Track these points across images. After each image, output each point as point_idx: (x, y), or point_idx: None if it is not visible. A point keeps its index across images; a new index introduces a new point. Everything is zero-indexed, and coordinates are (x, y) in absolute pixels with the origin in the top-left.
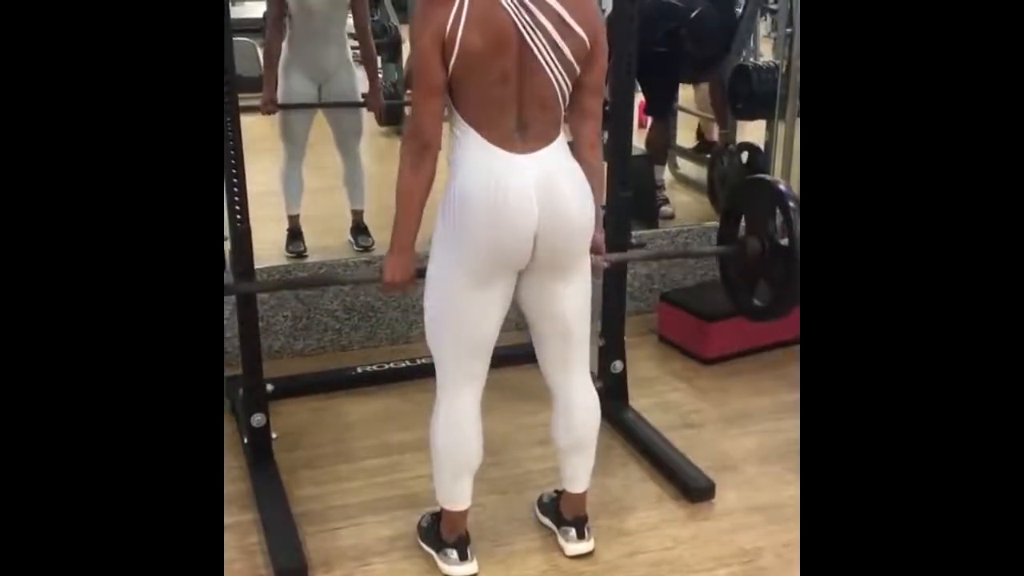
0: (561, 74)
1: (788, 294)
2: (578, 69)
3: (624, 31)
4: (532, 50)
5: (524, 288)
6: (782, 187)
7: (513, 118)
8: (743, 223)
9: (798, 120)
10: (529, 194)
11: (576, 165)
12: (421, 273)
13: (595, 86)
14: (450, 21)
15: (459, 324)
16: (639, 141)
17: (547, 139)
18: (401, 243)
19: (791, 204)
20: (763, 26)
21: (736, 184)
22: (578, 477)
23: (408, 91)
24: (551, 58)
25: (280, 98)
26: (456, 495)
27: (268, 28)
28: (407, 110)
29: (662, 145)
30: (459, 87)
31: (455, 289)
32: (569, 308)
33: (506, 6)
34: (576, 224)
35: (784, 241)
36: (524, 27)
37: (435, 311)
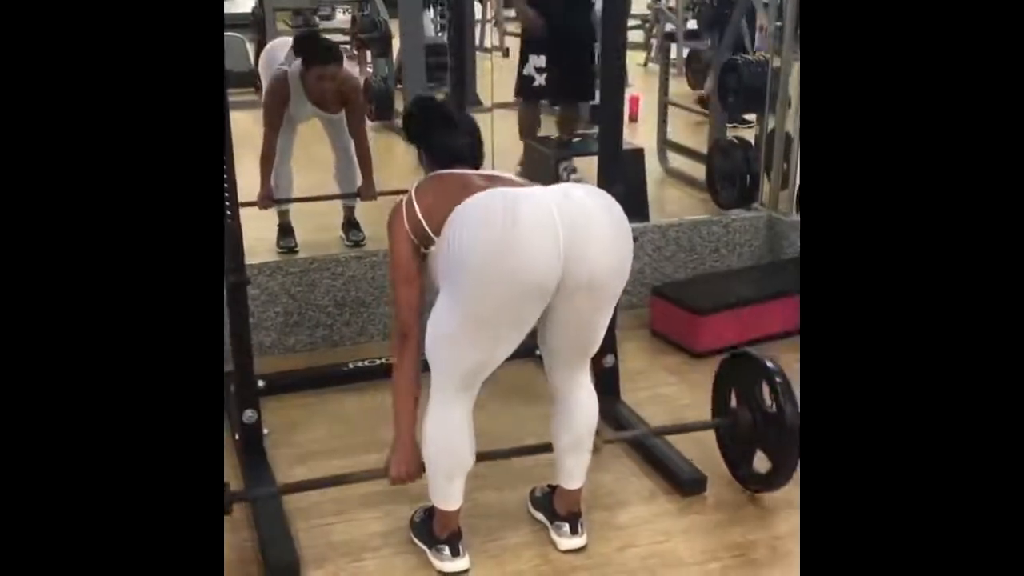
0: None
1: (785, 462)
2: None
3: (612, 23)
4: (495, 175)
5: (549, 316)
6: (768, 363)
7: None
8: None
9: (788, 114)
10: (548, 207)
11: (595, 187)
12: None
13: None
14: (408, 208)
15: (458, 359)
16: (630, 136)
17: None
18: (400, 436)
19: (778, 379)
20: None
21: (723, 360)
22: (574, 474)
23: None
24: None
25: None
26: (449, 495)
27: (265, 138)
28: (399, 105)
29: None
30: (439, 220)
31: (458, 325)
32: (596, 335)
33: (457, 172)
34: (608, 238)
35: (774, 409)
36: (482, 174)
37: (436, 333)
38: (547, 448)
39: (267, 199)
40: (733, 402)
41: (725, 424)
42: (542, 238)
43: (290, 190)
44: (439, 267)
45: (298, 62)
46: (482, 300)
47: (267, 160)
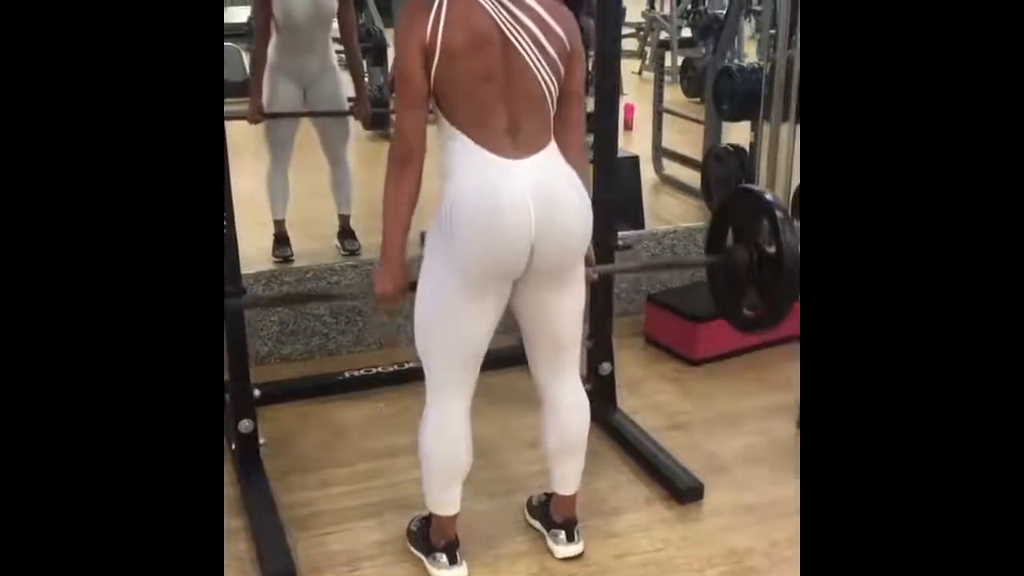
0: (547, 71)
1: (778, 302)
2: (562, 69)
3: (608, 31)
4: (516, 47)
5: (518, 296)
6: (768, 197)
7: (502, 119)
8: (731, 233)
9: (783, 121)
10: (525, 200)
11: (573, 171)
12: (413, 285)
13: (576, 93)
14: (429, 26)
15: (449, 334)
16: (624, 143)
17: (539, 144)
18: (390, 256)
19: (778, 213)
20: (747, 27)
21: (723, 196)
22: (568, 480)
23: (393, 94)
24: (535, 55)
25: (265, 105)
26: (445, 501)
27: (255, 36)
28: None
29: None
30: (445, 91)
31: (446, 299)
32: (564, 315)
33: (486, 6)
34: (574, 232)
35: (772, 249)
36: (506, 25)
37: (425, 319)
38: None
39: (257, 113)
40: (729, 239)
41: (720, 262)
42: (515, 229)
43: (286, 201)
44: (435, 226)
45: None
46: (465, 273)
47: (257, 70)
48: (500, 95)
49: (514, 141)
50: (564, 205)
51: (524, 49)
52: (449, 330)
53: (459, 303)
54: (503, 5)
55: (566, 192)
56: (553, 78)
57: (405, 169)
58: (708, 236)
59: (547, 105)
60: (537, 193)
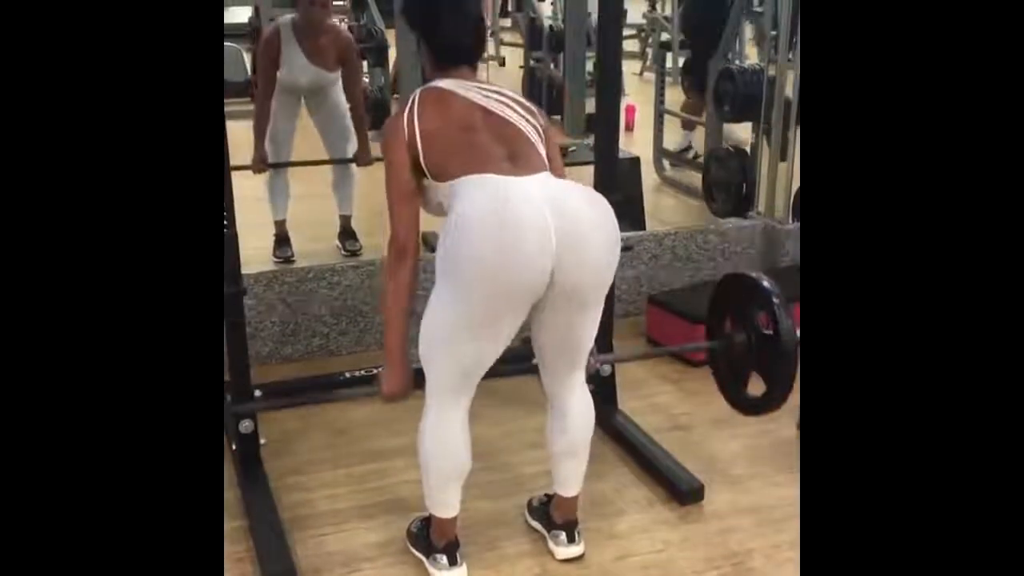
0: (524, 117)
1: (779, 385)
2: (539, 127)
3: (610, 34)
4: (489, 108)
5: (538, 315)
6: (764, 282)
7: (498, 150)
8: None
9: (784, 122)
10: (540, 208)
11: (591, 189)
12: (420, 381)
13: (556, 149)
14: (406, 124)
15: (454, 356)
16: (625, 144)
17: (541, 167)
18: (392, 355)
19: (775, 299)
20: (748, 30)
21: (719, 281)
22: (570, 481)
23: (395, 95)
24: (509, 109)
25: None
26: (445, 503)
27: (258, 94)
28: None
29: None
30: (437, 160)
31: (453, 324)
32: (587, 334)
33: (456, 91)
34: (598, 245)
35: (769, 331)
36: (476, 96)
37: (430, 335)
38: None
39: (261, 163)
40: (728, 325)
41: (720, 347)
42: (534, 242)
43: (286, 202)
44: (438, 262)
45: (289, 16)
46: (476, 298)
47: (261, 122)
48: (488, 136)
49: (515, 165)
50: (586, 217)
51: (497, 106)
52: (455, 355)
53: (467, 331)
54: (470, 88)
55: (584, 205)
56: (532, 122)
57: (400, 264)
58: (707, 320)
59: (535, 141)
60: (554, 206)
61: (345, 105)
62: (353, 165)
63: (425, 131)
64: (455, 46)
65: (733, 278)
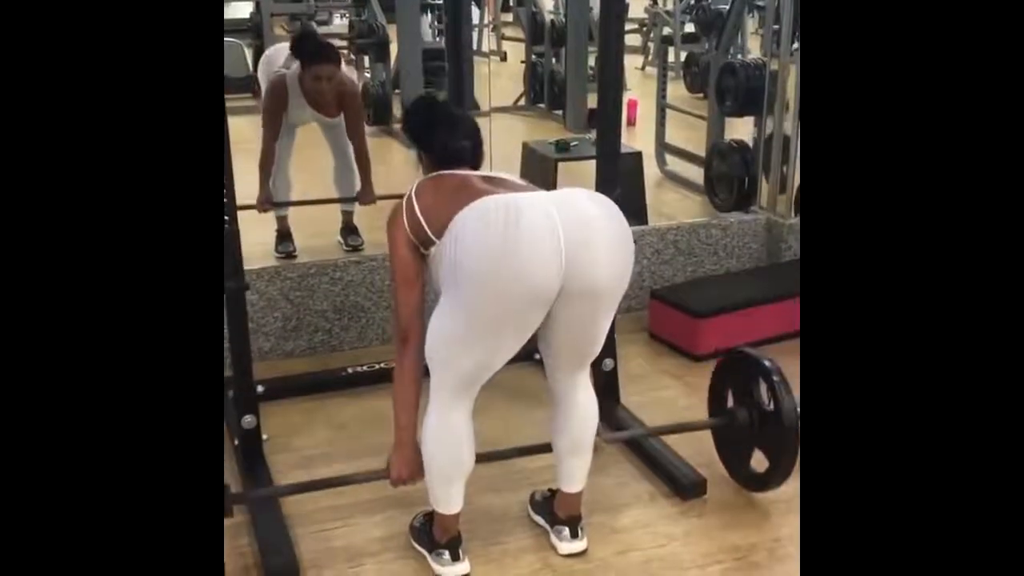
0: (520, 180)
1: (781, 459)
2: None
3: (612, 28)
4: (491, 175)
5: (549, 314)
6: (765, 362)
7: (496, 190)
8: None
9: (786, 116)
10: (546, 207)
11: (593, 192)
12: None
13: None
14: (406, 213)
15: (458, 362)
16: (627, 139)
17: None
18: (400, 438)
19: (775, 377)
20: (750, 23)
21: (721, 361)
22: (574, 477)
23: (397, 90)
24: (503, 175)
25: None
26: (448, 499)
27: (264, 135)
28: (396, 110)
29: None
30: (437, 217)
31: (457, 332)
32: (599, 334)
33: (458, 173)
34: (612, 244)
35: (771, 408)
36: (480, 174)
37: (436, 340)
38: (547, 448)
39: (266, 202)
40: (730, 402)
41: (722, 424)
42: (543, 246)
43: (289, 195)
44: (441, 272)
45: (296, 65)
46: (483, 306)
47: (266, 164)
48: (485, 186)
49: (514, 192)
50: (593, 215)
51: (496, 176)
52: (459, 360)
53: (470, 341)
54: (470, 173)
55: (591, 205)
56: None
57: (405, 349)
58: (709, 399)
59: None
60: (561, 207)
61: (348, 143)
62: (354, 159)
63: (424, 206)
64: (456, 152)
65: (736, 357)
